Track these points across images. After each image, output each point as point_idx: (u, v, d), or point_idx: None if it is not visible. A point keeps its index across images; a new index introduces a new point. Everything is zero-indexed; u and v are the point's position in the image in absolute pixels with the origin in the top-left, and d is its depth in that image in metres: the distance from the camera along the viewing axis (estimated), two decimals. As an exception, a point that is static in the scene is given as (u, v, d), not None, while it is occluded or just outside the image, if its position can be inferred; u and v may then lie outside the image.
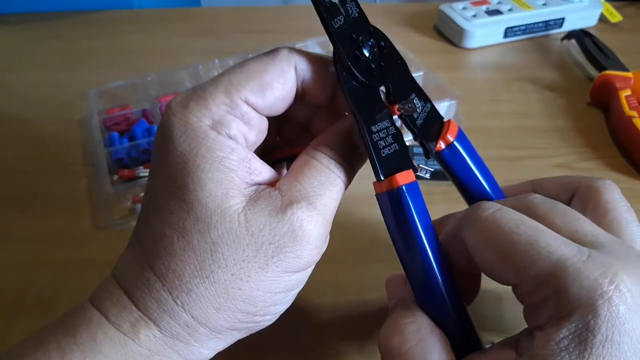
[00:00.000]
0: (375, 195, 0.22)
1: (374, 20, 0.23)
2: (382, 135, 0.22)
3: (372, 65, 0.23)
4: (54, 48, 0.63)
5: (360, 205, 0.39)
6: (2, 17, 0.68)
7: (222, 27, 0.67)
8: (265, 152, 0.27)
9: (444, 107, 0.47)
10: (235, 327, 0.21)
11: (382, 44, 0.23)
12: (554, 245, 0.19)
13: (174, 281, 0.20)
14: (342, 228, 0.39)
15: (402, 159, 0.22)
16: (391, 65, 0.23)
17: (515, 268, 0.19)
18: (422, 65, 0.52)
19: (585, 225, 0.20)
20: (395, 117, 0.23)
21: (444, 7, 0.63)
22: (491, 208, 0.21)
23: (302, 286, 0.23)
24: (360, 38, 0.22)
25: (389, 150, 0.22)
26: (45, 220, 0.41)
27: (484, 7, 0.62)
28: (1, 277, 0.36)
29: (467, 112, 0.49)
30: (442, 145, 0.24)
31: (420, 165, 0.23)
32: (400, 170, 0.22)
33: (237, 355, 0.23)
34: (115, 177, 0.43)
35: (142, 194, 0.41)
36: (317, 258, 0.22)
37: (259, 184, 0.22)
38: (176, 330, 0.20)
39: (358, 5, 0.23)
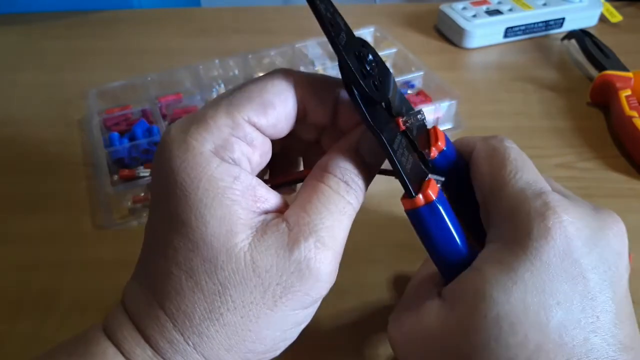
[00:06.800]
0: (406, 211, 0.22)
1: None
2: (400, 150, 0.22)
3: (375, 82, 0.22)
4: (54, 48, 0.63)
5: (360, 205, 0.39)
6: (2, 17, 0.68)
7: (222, 27, 0.67)
8: (270, 172, 0.27)
9: (444, 107, 0.47)
10: None
11: (375, 57, 0.23)
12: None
13: (184, 322, 0.20)
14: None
15: (418, 169, 0.23)
16: (386, 79, 0.23)
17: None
18: (422, 65, 0.52)
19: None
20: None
21: (444, 7, 0.63)
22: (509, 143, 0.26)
23: (311, 318, 0.23)
24: (361, 54, 0.22)
25: (409, 164, 0.22)
26: (45, 220, 0.41)
27: (484, 7, 0.62)
28: (1, 277, 0.36)
29: (467, 112, 0.49)
30: (435, 152, 0.25)
31: (432, 176, 0.23)
32: (421, 181, 0.22)
33: None
34: (115, 177, 0.43)
35: (142, 194, 0.42)
36: (326, 292, 0.22)
37: (267, 211, 0.21)
38: None
39: (341, 16, 0.22)
